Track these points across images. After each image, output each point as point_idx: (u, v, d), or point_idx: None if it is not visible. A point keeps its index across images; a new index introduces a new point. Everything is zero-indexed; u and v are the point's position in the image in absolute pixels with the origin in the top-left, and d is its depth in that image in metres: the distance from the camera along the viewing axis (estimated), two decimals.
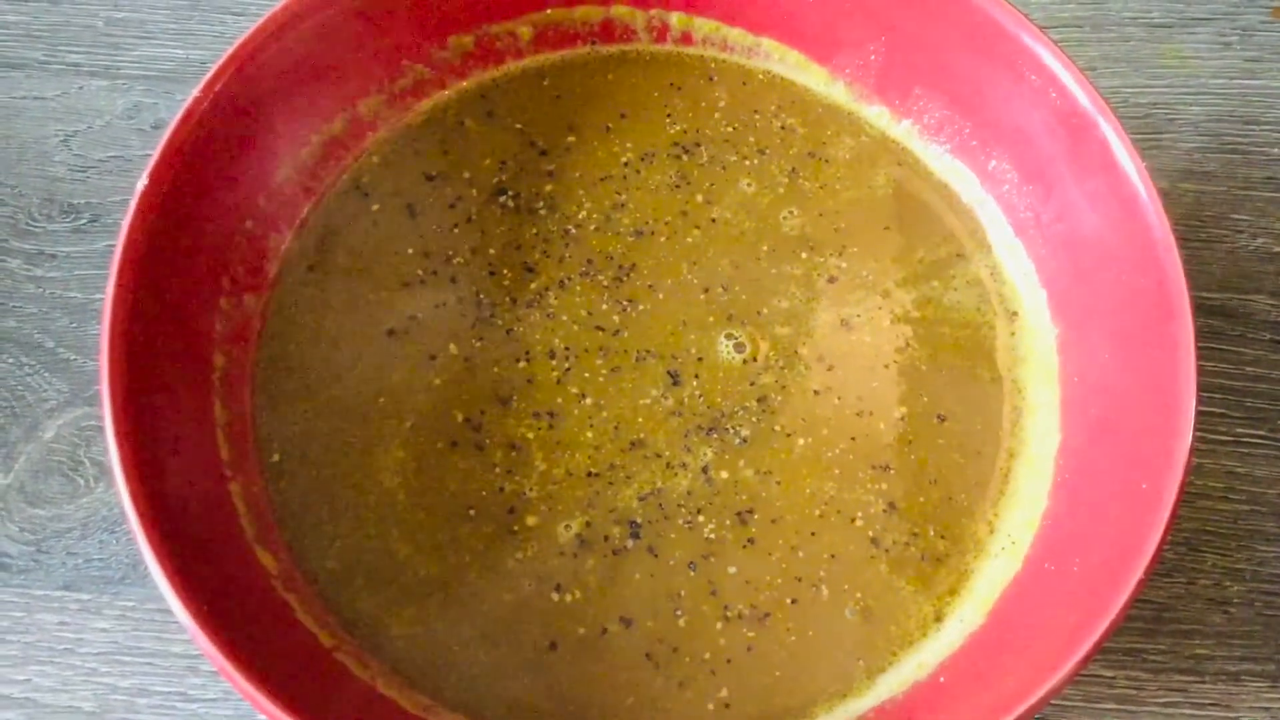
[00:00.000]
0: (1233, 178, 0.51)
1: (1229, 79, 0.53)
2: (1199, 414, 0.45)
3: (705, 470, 0.41)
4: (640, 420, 0.41)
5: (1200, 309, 0.48)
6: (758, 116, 0.46)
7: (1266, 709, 0.42)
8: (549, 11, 0.45)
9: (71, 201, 0.49)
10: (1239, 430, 0.46)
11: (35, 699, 0.42)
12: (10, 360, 0.46)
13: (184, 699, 0.42)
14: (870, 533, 0.40)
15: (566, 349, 0.42)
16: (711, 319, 0.43)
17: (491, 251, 0.43)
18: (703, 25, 0.46)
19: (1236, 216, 0.50)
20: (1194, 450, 0.35)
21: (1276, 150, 0.51)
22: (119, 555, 0.44)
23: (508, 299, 0.43)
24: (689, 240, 0.44)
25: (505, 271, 0.43)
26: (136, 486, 0.34)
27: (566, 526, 0.40)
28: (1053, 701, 0.41)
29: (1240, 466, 0.46)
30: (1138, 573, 0.34)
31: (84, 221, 0.49)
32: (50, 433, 0.45)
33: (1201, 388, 0.46)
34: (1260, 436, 0.46)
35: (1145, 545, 0.34)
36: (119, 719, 0.41)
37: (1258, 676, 0.43)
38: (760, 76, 0.47)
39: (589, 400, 0.41)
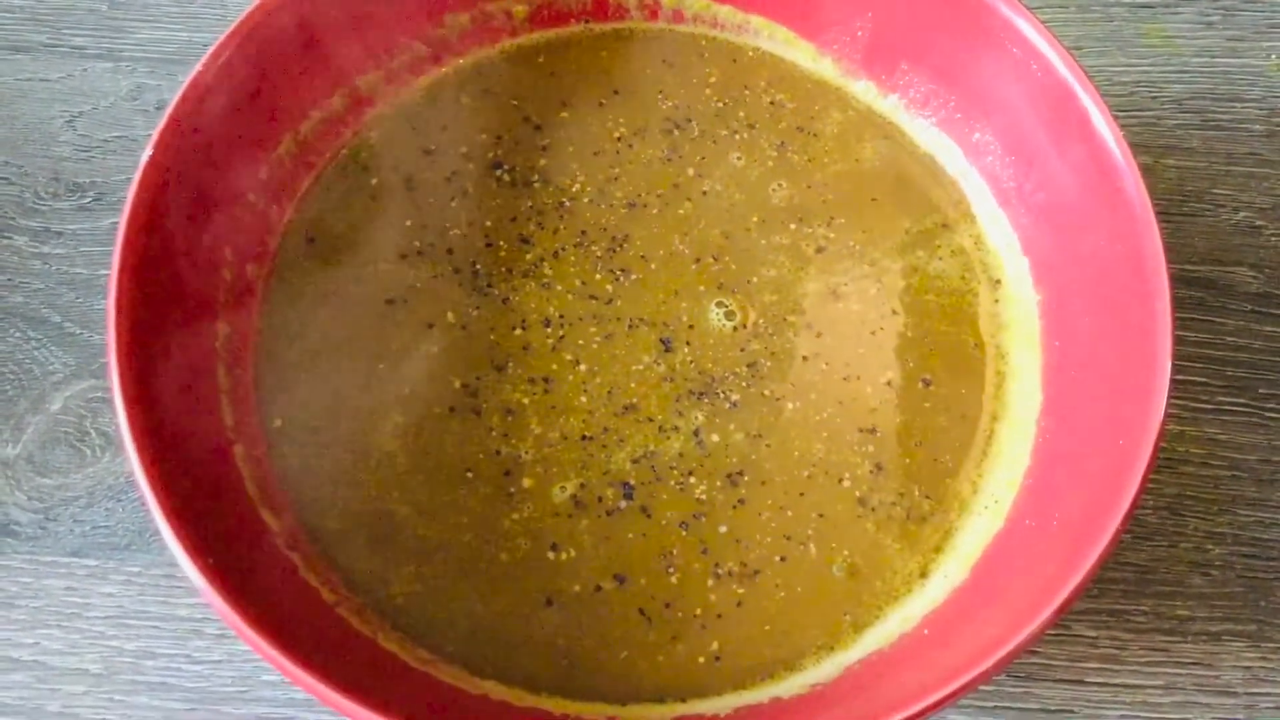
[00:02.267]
0: (1215, 153, 0.52)
1: (1211, 57, 0.54)
2: (1181, 382, 0.47)
3: (696, 433, 0.42)
4: (633, 385, 0.42)
5: (1183, 281, 0.49)
6: (747, 92, 0.47)
7: (1247, 668, 0.43)
8: None
9: (76, 180, 0.50)
10: (1220, 398, 0.47)
11: (44, 661, 0.42)
12: (18, 335, 0.47)
13: (189, 661, 0.43)
14: (857, 493, 0.41)
15: (561, 317, 0.43)
16: (702, 288, 0.44)
17: (488, 223, 0.44)
18: (693, 3, 0.47)
19: (1219, 191, 0.51)
20: (1169, 408, 0.36)
21: (1258, 126, 0.52)
22: (125, 522, 0.44)
23: (504, 269, 0.44)
24: (680, 212, 0.45)
25: (501, 243, 0.44)
26: (145, 451, 0.35)
27: (561, 488, 0.41)
28: (1039, 661, 0.43)
29: (1221, 433, 0.47)
30: (1113, 525, 0.34)
31: (89, 200, 0.50)
32: (57, 404, 0.46)
33: (1184, 357, 0.47)
34: (1241, 404, 0.47)
35: (1121, 499, 0.35)
36: (126, 680, 0.42)
37: (1238, 636, 0.44)
38: (750, 53, 0.48)
39: (583, 366, 0.42)
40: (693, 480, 0.41)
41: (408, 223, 0.44)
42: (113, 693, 0.42)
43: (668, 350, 0.43)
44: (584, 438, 0.41)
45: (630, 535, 0.40)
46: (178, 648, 0.43)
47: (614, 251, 0.44)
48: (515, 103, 0.46)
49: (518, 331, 0.43)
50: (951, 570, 0.40)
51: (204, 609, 0.43)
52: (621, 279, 0.44)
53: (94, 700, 0.42)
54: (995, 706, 0.42)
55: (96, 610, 0.43)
